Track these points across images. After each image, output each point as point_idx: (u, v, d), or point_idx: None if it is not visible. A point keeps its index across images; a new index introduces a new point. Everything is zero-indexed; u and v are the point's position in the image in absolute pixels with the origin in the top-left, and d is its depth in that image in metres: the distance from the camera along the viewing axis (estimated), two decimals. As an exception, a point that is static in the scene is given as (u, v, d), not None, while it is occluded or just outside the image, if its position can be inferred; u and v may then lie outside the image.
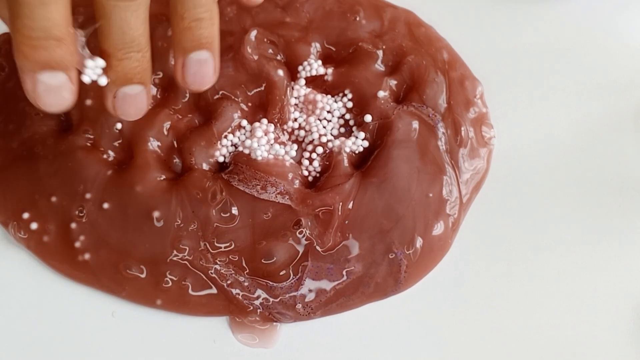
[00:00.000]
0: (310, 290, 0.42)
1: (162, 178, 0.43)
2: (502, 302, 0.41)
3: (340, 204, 0.42)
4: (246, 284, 0.41)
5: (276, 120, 0.45)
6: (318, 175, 0.44)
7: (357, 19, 0.48)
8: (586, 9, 0.49)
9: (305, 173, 0.45)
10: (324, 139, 0.45)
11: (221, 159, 0.44)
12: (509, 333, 0.41)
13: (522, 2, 0.49)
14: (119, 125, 0.44)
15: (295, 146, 0.45)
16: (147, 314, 0.41)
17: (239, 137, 0.44)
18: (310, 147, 0.45)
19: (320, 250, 0.42)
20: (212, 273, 0.41)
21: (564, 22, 0.48)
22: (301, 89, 0.46)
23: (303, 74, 0.46)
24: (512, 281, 0.42)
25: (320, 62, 0.46)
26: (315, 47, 0.47)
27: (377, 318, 0.41)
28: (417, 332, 0.41)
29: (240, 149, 0.44)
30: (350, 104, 0.46)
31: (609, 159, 0.45)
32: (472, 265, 0.43)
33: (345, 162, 0.44)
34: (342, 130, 0.46)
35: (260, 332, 0.41)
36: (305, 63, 0.46)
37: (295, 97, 0.46)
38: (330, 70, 0.46)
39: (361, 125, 0.45)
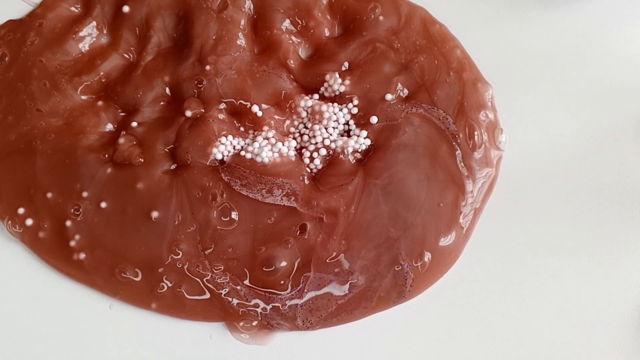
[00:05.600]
0: (311, 304, 0.38)
1: (164, 169, 0.40)
2: (506, 307, 0.39)
3: (344, 207, 0.39)
4: (243, 292, 0.38)
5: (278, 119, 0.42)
6: (318, 170, 0.41)
7: (373, 16, 0.44)
8: (592, 18, 0.46)
9: (307, 170, 0.41)
10: (327, 142, 0.41)
11: (219, 156, 0.40)
12: (513, 336, 0.39)
13: (526, 7, 0.46)
14: (134, 124, 0.42)
15: (291, 138, 0.41)
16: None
17: (238, 142, 0.41)
18: (312, 148, 0.41)
19: (323, 258, 0.39)
20: (207, 281, 0.39)
21: (568, 29, 0.45)
22: (309, 100, 0.42)
23: (326, 94, 0.43)
24: (516, 286, 0.40)
25: (340, 79, 0.42)
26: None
27: (378, 318, 0.39)
28: (417, 333, 0.39)
29: (242, 153, 0.40)
30: (355, 110, 0.42)
31: (612, 166, 0.42)
32: (476, 270, 0.40)
33: (351, 159, 0.41)
34: (345, 133, 0.42)
35: (256, 330, 0.39)
36: (327, 84, 0.42)
37: (302, 107, 0.42)
38: (347, 82, 0.42)
39: (364, 125, 0.42)
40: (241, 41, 0.43)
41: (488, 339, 0.39)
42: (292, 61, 0.43)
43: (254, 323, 0.38)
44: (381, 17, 0.44)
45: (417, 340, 0.39)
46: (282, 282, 0.38)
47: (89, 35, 0.44)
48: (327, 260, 0.39)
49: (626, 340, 0.38)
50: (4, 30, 0.44)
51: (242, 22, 0.43)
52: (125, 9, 0.44)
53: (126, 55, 0.44)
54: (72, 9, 0.45)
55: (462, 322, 0.39)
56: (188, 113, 0.41)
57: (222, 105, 0.41)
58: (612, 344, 0.39)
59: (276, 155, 0.40)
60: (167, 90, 0.42)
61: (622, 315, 0.39)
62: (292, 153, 0.41)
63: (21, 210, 0.40)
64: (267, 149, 0.40)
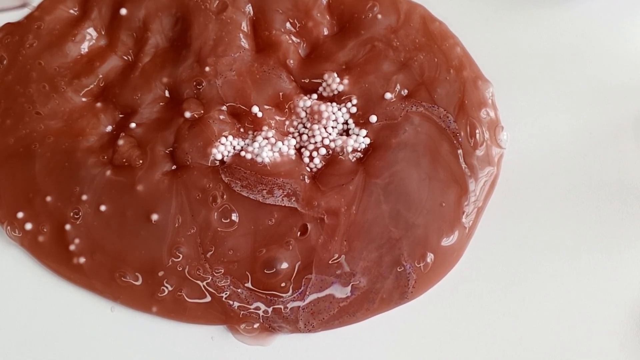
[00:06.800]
0: (312, 307, 0.38)
1: (164, 171, 0.39)
2: (508, 306, 0.39)
3: (345, 207, 0.38)
4: (244, 295, 0.38)
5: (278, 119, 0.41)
6: (318, 169, 0.40)
7: (372, 14, 0.44)
8: (592, 16, 0.45)
9: (307, 170, 0.40)
10: (326, 141, 0.40)
11: (219, 157, 0.40)
12: (516, 335, 0.38)
13: (526, 5, 0.46)
14: (132, 125, 0.41)
15: (291, 137, 0.41)
16: (146, 311, 0.39)
17: (238, 142, 0.40)
18: (311, 147, 0.40)
19: (324, 260, 0.38)
20: (208, 284, 0.38)
21: (568, 27, 0.45)
22: (308, 101, 0.41)
23: (324, 93, 0.42)
24: (517, 285, 0.39)
25: (338, 79, 0.42)
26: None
27: (379, 318, 0.39)
28: (419, 334, 0.39)
29: (242, 153, 0.39)
30: (354, 109, 0.41)
31: (611, 163, 0.42)
32: (478, 269, 0.40)
33: (351, 158, 0.40)
34: (344, 132, 0.42)
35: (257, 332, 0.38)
36: (325, 84, 0.42)
37: (301, 108, 0.41)
38: (345, 81, 0.42)
39: (363, 124, 0.41)
40: (242, 42, 0.42)
41: (490, 339, 0.38)
42: (291, 61, 0.42)
43: (256, 325, 0.37)
44: (379, 16, 0.43)
45: (419, 340, 0.38)
46: (282, 284, 0.38)
47: (88, 38, 0.43)
48: (329, 262, 0.38)
49: (627, 338, 0.38)
50: (1, 33, 0.43)
51: (243, 23, 0.42)
52: (123, 11, 0.43)
53: (124, 57, 0.43)
54: (70, 11, 0.44)
55: (464, 321, 0.38)
56: (187, 114, 0.40)
57: (223, 107, 0.41)
58: (613, 342, 0.38)
59: (276, 154, 0.39)
60: (166, 91, 0.42)
61: (624, 313, 0.39)
62: (292, 152, 0.40)
63: (20, 215, 0.39)
64: (267, 149, 0.39)
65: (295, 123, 0.41)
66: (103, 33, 0.43)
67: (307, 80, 0.42)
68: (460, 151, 0.40)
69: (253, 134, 0.40)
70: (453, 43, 0.43)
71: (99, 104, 0.41)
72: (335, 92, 0.41)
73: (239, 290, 0.38)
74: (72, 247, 0.38)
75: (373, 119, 0.41)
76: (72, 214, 0.39)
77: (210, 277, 0.38)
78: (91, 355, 0.38)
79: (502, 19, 0.45)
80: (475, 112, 0.41)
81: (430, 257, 0.38)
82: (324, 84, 0.42)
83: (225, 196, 0.39)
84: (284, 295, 0.38)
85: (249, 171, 0.39)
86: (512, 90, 0.43)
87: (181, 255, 0.38)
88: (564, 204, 0.40)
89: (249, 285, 0.38)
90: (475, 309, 0.39)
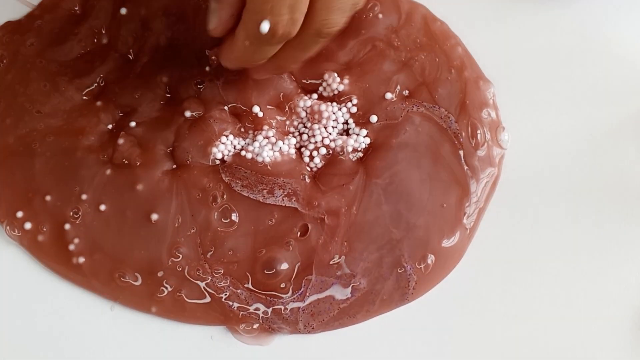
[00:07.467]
0: (312, 308, 0.37)
1: (164, 170, 0.39)
2: (508, 306, 0.39)
3: (346, 207, 0.38)
4: (244, 296, 0.37)
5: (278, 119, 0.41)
6: (319, 169, 0.40)
7: (372, 14, 0.43)
8: (593, 16, 0.45)
9: (307, 169, 0.40)
10: (326, 141, 0.40)
11: (219, 156, 0.39)
12: (516, 336, 0.38)
13: (528, 5, 0.45)
14: (132, 124, 0.40)
15: (291, 137, 0.40)
16: (146, 310, 0.38)
17: (238, 142, 0.40)
18: (311, 147, 0.40)
19: (325, 261, 0.38)
20: (208, 285, 0.37)
21: (570, 27, 0.45)
22: (308, 100, 0.41)
23: (324, 93, 0.42)
24: (517, 285, 0.39)
25: (338, 78, 0.41)
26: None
27: (379, 318, 0.38)
28: (419, 334, 0.38)
29: (243, 153, 0.39)
30: (354, 109, 0.41)
31: (612, 163, 0.42)
32: (478, 269, 0.39)
33: (352, 158, 0.40)
34: (344, 132, 0.41)
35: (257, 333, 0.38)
36: (325, 83, 0.41)
37: (301, 108, 0.41)
38: (345, 81, 0.41)
39: (363, 124, 0.40)
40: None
41: (490, 339, 0.38)
42: None
43: (255, 326, 0.37)
44: (380, 15, 0.43)
45: (419, 341, 0.38)
46: (282, 285, 0.37)
47: (88, 36, 0.42)
48: (329, 263, 0.38)
49: (627, 338, 0.38)
50: (1, 32, 0.43)
51: None
52: (123, 10, 0.42)
53: (125, 56, 0.42)
54: (71, 10, 0.43)
55: (464, 322, 0.38)
56: (187, 113, 0.40)
57: (223, 107, 0.40)
58: (613, 342, 0.38)
59: (277, 154, 0.39)
60: (166, 90, 0.41)
61: (624, 313, 0.38)
62: (293, 151, 0.40)
63: (20, 214, 0.39)
64: (268, 148, 0.39)
65: (295, 123, 0.41)
66: (103, 32, 0.43)
67: (307, 81, 0.41)
68: (461, 152, 0.40)
69: (253, 134, 0.40)
70: (454, 43, 0.43)
71: (99, 103, 0.41)
72: (336, 92, 0.41)
73: (239, 291, 0.37)
74: (71, 247, 0.38)
75: (373, 119, 0.40)
76: (71, 213, 0.38)
77: (210, 278, 0.37)
78: (91, 355, 0.37)
79: (503, 19, 0.45)
80: (477, 113, 0.41)
81: (431, 258, 0.38)
82: (324, 84, 0.41)
83: (225, 196, 0.38)
84: (283, 296, 0.37)
85: (250, 171, 0.39)
86: (513, 90, 0.42)
87: (181, 256, 0.38)
88: (564, 204, 0.40)
89: (248, 285, 0.37)
90: (476, 309, 0.38)
